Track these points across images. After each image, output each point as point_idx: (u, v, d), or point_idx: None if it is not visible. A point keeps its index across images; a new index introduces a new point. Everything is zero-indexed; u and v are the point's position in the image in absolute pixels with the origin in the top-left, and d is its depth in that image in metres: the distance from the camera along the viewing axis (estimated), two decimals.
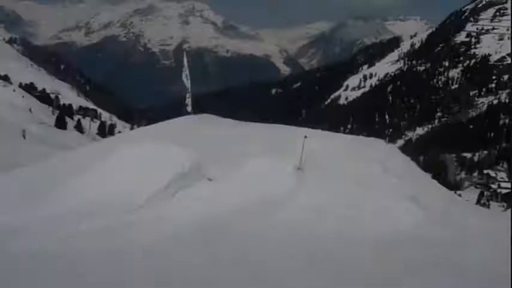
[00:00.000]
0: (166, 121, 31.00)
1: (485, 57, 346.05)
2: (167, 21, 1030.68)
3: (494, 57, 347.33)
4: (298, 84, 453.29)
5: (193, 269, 12.20)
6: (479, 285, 11.17)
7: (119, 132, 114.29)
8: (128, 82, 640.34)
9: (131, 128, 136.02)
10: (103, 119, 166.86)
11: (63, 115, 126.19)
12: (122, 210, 16.55)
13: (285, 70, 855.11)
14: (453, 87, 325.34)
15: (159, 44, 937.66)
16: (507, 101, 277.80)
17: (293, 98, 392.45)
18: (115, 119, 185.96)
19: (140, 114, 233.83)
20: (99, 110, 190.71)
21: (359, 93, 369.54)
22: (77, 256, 12.65)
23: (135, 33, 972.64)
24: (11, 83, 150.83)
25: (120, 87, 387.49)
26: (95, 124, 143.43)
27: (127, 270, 11.62)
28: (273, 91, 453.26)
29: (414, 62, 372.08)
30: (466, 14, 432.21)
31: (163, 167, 18.90)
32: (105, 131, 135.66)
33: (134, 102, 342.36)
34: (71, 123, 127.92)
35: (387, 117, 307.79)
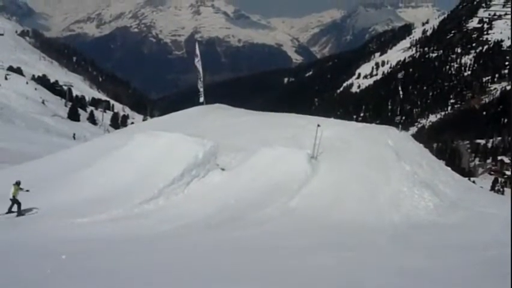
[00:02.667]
0: (178, 111, 31.08)
1: (498, 43, 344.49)
2: (179, 11, 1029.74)
3: (507, 43, 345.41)
4: (311, 72, 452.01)
5: (208, 252, 12.28)
6: (483, 264, 11.20)
7: (132, 123, 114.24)
8: (140, 73, 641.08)
9: (144, 119, 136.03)
10: (115, 110, 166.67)
11: (76, 107, 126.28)
12: (138, 200, 16.69)
13: (297, 59, 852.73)
14: (466, 74, 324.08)
15: (171, 34, 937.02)
16: None
17: (305, 86, 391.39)
18: (127, 110, 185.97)
19: (153, 105, 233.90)
20: (112, 101, 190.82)
21: (371, 81, 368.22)
22: (92, 245, 12.74)
23: (146, 24, 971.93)
24: (23, 76, 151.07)
25: (132, 78, 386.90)
26: (108, 115, 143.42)
27: (147, 256, 11.71)
28: (285, 80, 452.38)
29: (426, 49, 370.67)
30: None
31: (177, 156, 19.01)
32: (118, 122, 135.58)
33: (146, 93, 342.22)
34: (84, 114, 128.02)
35: (399, 104, 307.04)
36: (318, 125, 21.09)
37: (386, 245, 13.75)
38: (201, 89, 33.28)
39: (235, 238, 13.92)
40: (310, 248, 12.96)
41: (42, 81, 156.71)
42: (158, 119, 34.31)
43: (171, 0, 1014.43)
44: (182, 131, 21.33)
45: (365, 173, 19.90)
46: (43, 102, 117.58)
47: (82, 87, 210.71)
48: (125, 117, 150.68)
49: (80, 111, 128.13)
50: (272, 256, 12.05)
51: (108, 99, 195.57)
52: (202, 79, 33.83)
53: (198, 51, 33.88)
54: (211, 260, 11.59)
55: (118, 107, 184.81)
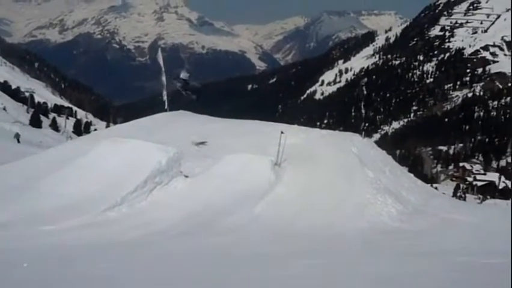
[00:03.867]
0: (142, 118, 30.95)
1: (459, 51, 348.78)
2: (142, 18, 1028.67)
3: (468, 51, 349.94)
4: (274, 79, 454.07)
5: (172, 264, 12.17)
6: (455, 272, 11.24)
7: (95, 130, 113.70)
8: (103, 79, 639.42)
9: (107, 126, 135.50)
10: (78, 117, 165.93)
11: (38, 113, 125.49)
12: (101, 207, 16.56)
13: (261, 66, 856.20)
14: (428, 81, 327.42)
15: (134, 41, 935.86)
16: (481, 93, 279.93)
17: (269, 93, 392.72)
18: (90, 117, 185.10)
19: (116, 112, 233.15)
20: (74, 108, 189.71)
21: (334, 88, 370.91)
22: (58, 253, 12.57)
23: (110, 30, 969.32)
24: None
25: (95, 84, 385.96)
26: (71, 122, 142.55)
27: (110, 264, 11.57)
28: (249, 87, 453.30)
29: (389, 56, 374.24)
30: (440, 7, 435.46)
31: (140, 163, 18.90)
32: (81, 129, 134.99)
33: (110, 99, 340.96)
34: (46, 121, 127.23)
35: (363, 111, 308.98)
36: (282, 132, 21.10)
37: (353, 252, 13.74)
38: (165, 96, 33.21)
39: (203, 246, 13.83)
40: (279, 256, 12.90)
41: (3, 87, 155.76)
42: (122, 125, 34.15)
43: (134, 7, 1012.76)
44: (146, 137, 21.24)
45: (328, 180, 19.95)
46: (4, 109, 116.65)
47: (44, 94, 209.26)
48: (88, 124, 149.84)
49: (43, 117, 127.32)
50: (242, 264, 11.96)
51: (71, 105, 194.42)
52: (166, 86, 33.77)
53: (161, 58, 33.83)
54: (179, 267, 11.48)
55: (81, 113, 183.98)
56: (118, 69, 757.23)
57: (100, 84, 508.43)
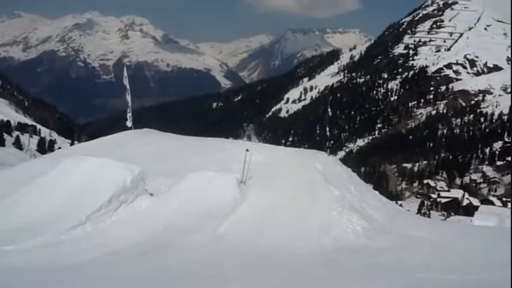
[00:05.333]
0: (106, 136, 30.79)
1: (423, 69, 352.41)
2: (107, 35, 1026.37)
3: (431, 69, 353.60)
4: (239, 97, 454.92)
5: (137, 280, 12.07)
6: None
7: (59, 148, 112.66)
8: (68, 97, 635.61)
9: (72, 144, 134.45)
10: (42, 135, 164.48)
11: (1, 132, 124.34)
12: (65, 226, 16.37)
13: (226, 83, 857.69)
14: (392, 99, 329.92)
15: (99, 58, 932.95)
16: (445, 111, 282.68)
17: (234, 111, 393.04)
18: (54, 135, 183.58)
19: (81, 130, 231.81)
20: (38, 126, 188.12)
21: (299, 105, 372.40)
22: (19, 274, 12.41)
23: (74, 48, 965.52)
24: None
25: (60, 102, 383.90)
26: (35, 140, 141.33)
27: (75, 285, 11.45)
28: (214, 105, 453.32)
29: (353, 74, 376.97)
30: (404, 26, 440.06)
31: (104, 182, 18.71)
32: (45, 147, 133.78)
33: (74, 117, 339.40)
34: (9, 139, 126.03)
35: (328, 129, 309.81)
36: (247, 150, 21.07)
37: (318, 270, 13.73)
38: (129, 114, 33.05)
39: (164, 266, 13.72)
40: (242, 275, 12.83)
41: None
42: (86, 143, 33.91)
43: (99, 25, 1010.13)
44: (110, 155, 21.04)
45: (293, 197, 19.93)
46: None
47: (8, 112, 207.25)
48: (53, 142, 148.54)
49: (6, 136, 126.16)
50: (203, 284, 11.90)
51: (35, 123, 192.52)
52: (130, 103, 33.62)
53: (126, 75, 33.67)
54: (140, 287, 11.41)
55: (45, 131, 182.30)
56: (83, 87, 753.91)
57: (65, 102, 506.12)
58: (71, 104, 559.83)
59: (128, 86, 33.38)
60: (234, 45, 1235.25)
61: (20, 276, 12.16)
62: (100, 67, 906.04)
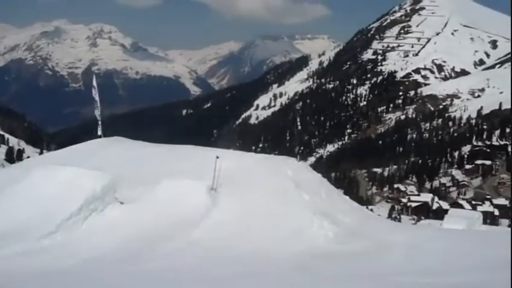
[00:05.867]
0: (76, 145, 30.61)
1: (392, 74, 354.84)
2: (75, 43, 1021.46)
3: (400, 74, 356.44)
4: (209, 104, 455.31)
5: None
6: None
7: (28, 157, 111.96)
8: (36, 106, 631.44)
9: (41, 153, 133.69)
10: (10, 145, 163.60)
11: None
12: (35, 236, 16.29)
13: (195, 91, 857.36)
14: (361, 104, 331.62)
15: (67, 67, 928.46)
16: (414, 116, 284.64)
17: (204, 118, 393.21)
18: (23, 144, 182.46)
19: (50, 139, 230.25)
20: (6, 135, 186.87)
21: (269, 112, 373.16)
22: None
23: (42, 56, 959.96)
24: None
25: (28, 111, 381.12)
26: (3, 150, 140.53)
27: None
28: (184, 112, 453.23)
29: (323, 80, 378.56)
30: (372, 32, 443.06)
31: (74, 191, 18.62)
32: (13, 156, 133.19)
33: (43, 126, 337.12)
34: None
35: (298, 135, 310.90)
36: (217, 157, 21.06)
37: (291, 276, 13.75)
38: (99, 122, 32.92)
39: (139, 273, 13.69)
40: (214, 281, 12.84)
41: None
42: (55, 152, 33.62)
43: (67, 33, 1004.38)
44: (80, 164, 20.95)
45: (265, 203, 19.92)
46: None
47: None
48: (21, 152, 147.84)
49: None
50: None
51: (3, 133, 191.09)
52: (100, 112, 33.48)
53: (95, 83, 33.52)
54: None
55: (13, 141, 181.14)
56: (51, 96, 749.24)
57: (33, 111, 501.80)
58: (40, 113, 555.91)
59: (97, 94, 33.22)
60: (203, 52, 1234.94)
61: None
62: (69, 75, 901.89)
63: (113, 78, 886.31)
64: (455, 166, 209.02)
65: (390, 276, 13.30)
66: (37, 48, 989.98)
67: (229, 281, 12.72)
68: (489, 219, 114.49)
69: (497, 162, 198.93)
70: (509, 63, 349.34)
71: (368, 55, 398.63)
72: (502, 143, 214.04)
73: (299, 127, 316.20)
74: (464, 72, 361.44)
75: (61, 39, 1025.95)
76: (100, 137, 32.17)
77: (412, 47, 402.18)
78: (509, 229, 70.15)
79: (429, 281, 12.38)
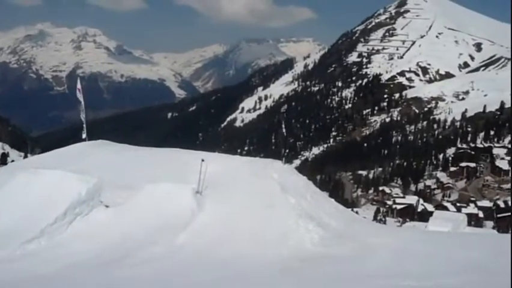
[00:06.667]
0: (60, 148, 30.47)
1: (377, 77, 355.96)
2: (60, 47, 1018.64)
3: (385, 76, 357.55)
4: (194, 107, 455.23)
5: None
6: None
7: (13, 161, 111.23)
8: (20, 110, 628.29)
9: (25, 157, 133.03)
10: None
11: None
12: (20, 241, 16.18)
13: (180, 94, 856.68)
14: (347, 107, 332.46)
15: (52, 70, 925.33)
16: (399, 118, 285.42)
17: (189, 121, 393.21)
18: (7, 148, 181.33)
19: (35, 143, 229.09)
20: None
21: (254, 115, 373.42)
22: None
23: (26, 59, 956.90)
24: None
25: (12, 115, 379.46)
26: None
27: None
28: (169, 115, 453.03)
29: (308, 83, 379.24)
30: (357, 34, 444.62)
31: (59, 194, 18.52)
32: None
33: (27, 130, 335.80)
34: None
35: (283, 138, 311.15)
36: (202, 160, 21.01)
37: (277, 280, 13.72)
38: (84, 125, 32.78)
39: (124, 277, 13.63)
40: (202, 284, 12.81)
41: None
42: (40, 156, 33.50)
43: (51, 36, 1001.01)
44: (65, 168, 20.85)
45: (250, 207, 19.86)
46: None
47: None
48: (5, 155, 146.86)
49: None
50: None
51: None
52: (84, 115, 33.34)
53: (79, 87, 33.37)
54: None
55: None
56: (36, 99, 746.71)
57: (17, 115, 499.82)
58: (24, 117, 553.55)
59: (82, 97, 33.08)
60: (188, 55, 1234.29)
61: None
62: (53, 79, 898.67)
63: (98, 81, 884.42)
64: (440, 168, 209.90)
65: (374, 279, 13.30)
66: (21, 52, 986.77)
67: (214, 285, 12.68)
68: (473, 221, 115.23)
69: (482, 165, 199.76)
70: (494, 66, 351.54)
71: (353, 58, 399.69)
72: (486, 145, 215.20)
73: (284, 130, 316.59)
74: (448, 75, 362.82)
75: (45, 43, 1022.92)
76: (84, 140, 32.03)
77: (397, 49, 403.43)
78: (493, 231, 70.59)
79: (413, 283, 12.41)
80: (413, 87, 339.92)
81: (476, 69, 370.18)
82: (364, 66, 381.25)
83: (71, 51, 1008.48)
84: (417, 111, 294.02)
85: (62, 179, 19.47)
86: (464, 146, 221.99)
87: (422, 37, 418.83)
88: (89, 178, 19.97)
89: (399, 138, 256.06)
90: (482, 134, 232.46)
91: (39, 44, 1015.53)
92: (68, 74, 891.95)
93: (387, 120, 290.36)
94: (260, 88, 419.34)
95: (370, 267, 15.13)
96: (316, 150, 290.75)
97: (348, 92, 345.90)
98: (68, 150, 29.64)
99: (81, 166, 22.24)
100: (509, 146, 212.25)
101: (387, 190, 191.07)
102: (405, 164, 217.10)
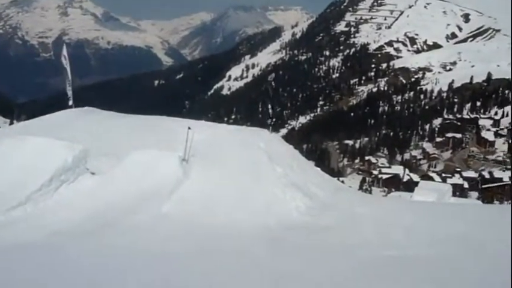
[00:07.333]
0: (46, 115, 30.27)
1: (364, 46, 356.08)
2: (46, 12, 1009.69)
3: (373, 46, 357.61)
4: (181, 75, 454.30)
5: (81, 261, 11.92)
6: (358, 265, 11.44)
7: None
8: (6, 76, 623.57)
9: (11, 123, 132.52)
10: None
11: None
12: (5, 207, 16.09)
13: (168, 61, 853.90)
14: (334, 76, 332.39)
15: (38, 36, 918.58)
16: (386, 88, 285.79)
17: (176, 89, 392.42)
18: None
19: (21, 109, 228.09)
20: None
21: (241, 83, 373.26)
22: None
23: (12, 25, 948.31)
24: None
25: None
26: None
27: (14, 267, 11.25)
28: (156, 82, 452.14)
29: (295, 51, 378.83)
30: (345, 3, 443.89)
31: (45, 161, 18.42)
32: None
33: (14, 96, 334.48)
34: None
35: (270, 106, 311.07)
36: (189, 128, 20.91)
37: (263, 249, 13.72)
38: (70, 92, 32.54)
39: (109, 245, 13.58)
40: (186, 254, 12.78)
41: None
42: (26, 123, 33.20)
43: (37, 1, 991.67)
44: (51, 135, 20.69)
45: (236, 175, 19.84)
46: None
47: None
48: None
49: None
50: (148, 263, 11.79)
51: None
52: (71, 82, 33.09)
53: (65, 53, 33.07)
54: (84, 268, 11.25)
55: None
56: (21, 66, 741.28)
57: (3, 81, 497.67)
58: (9, 83, 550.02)
59: (68, 64, 32.77)
60: (175, 22, 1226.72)
61: None
62: (39, 45, 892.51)
63: (84, 48, 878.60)
64: (426, 139, 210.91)
65: (357, 248, 13.36)
66: (7, 18, 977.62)
67: (196, 255, 12.66)
68: (458, 191, 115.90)
69: (468, 136, 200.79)
70: (481, 37, 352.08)
71: (340, 27, 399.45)
72: (472, 116, 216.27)
73: (271, 99, 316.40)
74: (436, 46, 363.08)
75: (31, 8, 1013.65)
76: (71, 107, 31.83)
77: (385, 19, 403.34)
78: (478, 201, 70.87)
79: (394, 253, 12.46)
80: (401, 57, 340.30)
81: (464, 40, 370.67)
82: (352, 36, 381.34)
83: (57, 17, 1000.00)
84: (404, 81, 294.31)
85: (48, 146, 19.35)
86: (451, 116, 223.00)
87: (410, 7, 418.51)
88: (75, 145, 19.85)
89: (386, 108, 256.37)
90: (468, 105, 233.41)
91: (25, 9, 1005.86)
92: (54, 41, 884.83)
93: (374, 90, 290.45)
94: (247, 56, 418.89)
95: (354, 237, 15.17)
96: (303, 120, 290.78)
97: (335, 62, 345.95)
98: (54, 117, 29.43)
99: (67, 133, 22.10)
100: (495, 117, 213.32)
101: (373, 160, 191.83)
102: (391, 134, 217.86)
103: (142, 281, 10.32)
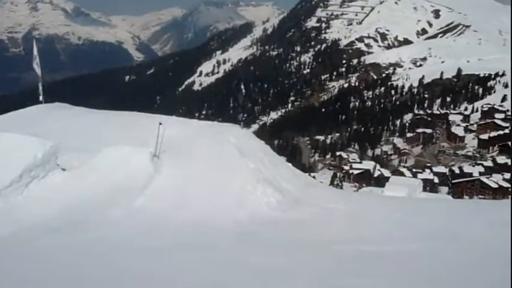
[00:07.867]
0: (16, 111, 30.08)
1: (335, 42, 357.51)
2: (15, 7, 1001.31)
3: (343, 42, 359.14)
4: (152, 70, 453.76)
5: (54, 255, 11.89)
6: (330, 260, 11.49)
7: None
8: None
9: None
10: None
11: None
12: None
13: (138, 57, 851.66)
14: (305, 72, 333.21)
15: (7, 31, 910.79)
16: (357, 84, 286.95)
17: (147, 84, 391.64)
18: None
19: None
20: None
21: (212, 78, 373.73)
22: None
23: None
24: None
25: None
26: None
27: None
28: (127, 78, 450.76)
29: (267, 47, 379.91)
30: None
31: (15, 157, 18.32)
32: None
33: None
34: None
35: (241, 102, 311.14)
36: (160, 123, 20.89)
37: (235, 244, 13.79)
38: (40, 88, 32.34)
39: (80, 241, 13.55)
40: (161, 249, 12.80)
41: None
42: None
43: None
44: (21, 130, 20.56)
45: (208, 171, 19.85)
46: None
47: None
48: None
49: None
50: (123, 258, 11.79)
51: None
52: (41, 77, 32.89)
53: (36, 49, 32.88)
54: (54, 265, 11.22)
55: None
56: None
57: None
58: None
59: (38, 60, 32.54)
60: (146, 18, 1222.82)
61: None
62: (9, 40, 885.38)
63: (55, 43, 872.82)
64: (397, 134, 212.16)
65: (333, 244, 13.41)
66: None
67: (169, 250, 12.68)
68: (429, 186, 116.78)
69: (438, 131, 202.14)
70: (451, 33, 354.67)
71: (312, 23, 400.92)
72: (442, 111, 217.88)
73: (243, 94, 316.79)
74: (407, 41, 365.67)
75: (0, 3, 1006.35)
76: (41, 103, 31.62)
77: (356, 15, 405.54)
78: (448, 196, 71.42)
79: (374, 249, 12.53)
80: (372, 53, 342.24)
81: (434, 36, 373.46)
82: (323, 32, 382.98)
83: (27, 12, 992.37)
84: (375, 77, 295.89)
85: (17, 142, 19.24)
86: (421, 112, 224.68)
87: (381, 3, 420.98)
88: (46, 141, 19.75)
89: (357, 103, 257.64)
90: (438, 101, 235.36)
91: None
92: (24, 36, 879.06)
93: (345, 85, 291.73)
94: (219, 52, 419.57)
95: (328, 232, 15.26)
96: (274, 115, 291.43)
97: (306, 57, 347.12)
98: (24, 112, 29.25)
99: (37, 129, 21.98)
100: (465, 112, 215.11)
101: (344, 155, 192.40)
102: (362, 129, 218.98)
103: (116, 275, 10.32)
